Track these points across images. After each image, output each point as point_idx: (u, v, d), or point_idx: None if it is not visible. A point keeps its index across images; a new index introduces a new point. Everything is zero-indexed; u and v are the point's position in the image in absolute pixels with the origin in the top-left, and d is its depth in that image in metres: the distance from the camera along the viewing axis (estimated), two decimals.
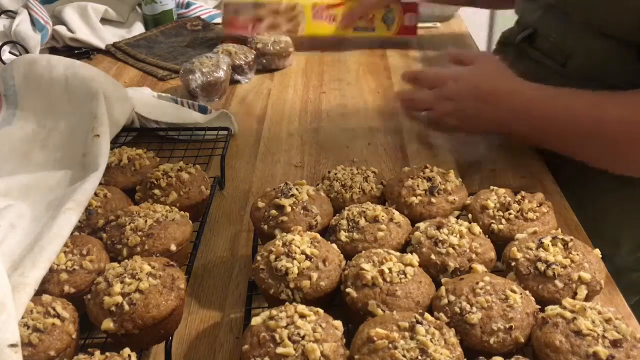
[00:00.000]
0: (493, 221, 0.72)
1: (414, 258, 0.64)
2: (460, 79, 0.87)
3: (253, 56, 1.23)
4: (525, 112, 0.82)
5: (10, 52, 1.26)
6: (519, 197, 0.73)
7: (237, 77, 1.21)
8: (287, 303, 0.59)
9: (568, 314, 0.56)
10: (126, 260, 0.65)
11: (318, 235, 0.68)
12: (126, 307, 0.59)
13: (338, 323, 0.58)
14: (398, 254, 0.65)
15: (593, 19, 0.85)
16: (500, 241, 0.70)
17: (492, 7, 1.41)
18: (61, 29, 1.35)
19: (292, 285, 0.62)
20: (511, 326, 0.57)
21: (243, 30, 1.29)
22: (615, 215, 0.94)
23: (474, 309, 0.58)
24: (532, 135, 0.86)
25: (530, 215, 0.71)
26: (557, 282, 0.62)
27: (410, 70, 0.93)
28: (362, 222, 0.70)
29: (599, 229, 0.81)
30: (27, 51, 1.26)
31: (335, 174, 0.80)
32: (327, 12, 1.27)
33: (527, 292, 0.61)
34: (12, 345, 0.54)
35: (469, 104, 0.85)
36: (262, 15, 1.28)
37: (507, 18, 1.14)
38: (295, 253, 0.64)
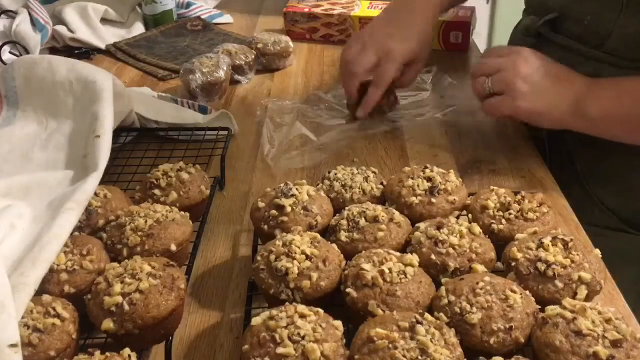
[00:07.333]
0: (493, 221, 0.72)
1: (414, 258, 0.64)
2: (527, 60, 0.86)
3: (253, 56, 1.23)
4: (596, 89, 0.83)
5: (10, 52, 1.26)
6: (519, 197, 0.73)
7: (237, 77, 1.21)
8: (287, 303, 0.59)
9: (568, 314, 0.56)
10: (126, 260, 0.65)
11: (318, 235, 0.68)
12: (126, 307, 0.59)
13: (338, 323, 0.58)
14: (398, 254, 0.65)
15: None
16: (500, 241, 0.70)
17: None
18: (61, 29, 1.35)
19: (292, 285, 0.62)
20: (511, 326, 0.57)
21: (300, 38, 1.41)
22: None
23: (474, 309, 0.58)
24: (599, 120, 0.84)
25: (530, 215, 0.71)
26: (557, 282, 0.62)
27: (474, 67, 0.92)
28: (362, 222, 0.70)
29: None
30: (27, 51, 1.25)
31: (335, 174, 0.80)
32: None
33: (527, 292, 0.61)
34: (12, 345, 0.54)
35: (541, 80, 0.86)
36: (317, 26, 1.40)
37: (508, 13, 1.11)
38: (295, 253, 0.64)
